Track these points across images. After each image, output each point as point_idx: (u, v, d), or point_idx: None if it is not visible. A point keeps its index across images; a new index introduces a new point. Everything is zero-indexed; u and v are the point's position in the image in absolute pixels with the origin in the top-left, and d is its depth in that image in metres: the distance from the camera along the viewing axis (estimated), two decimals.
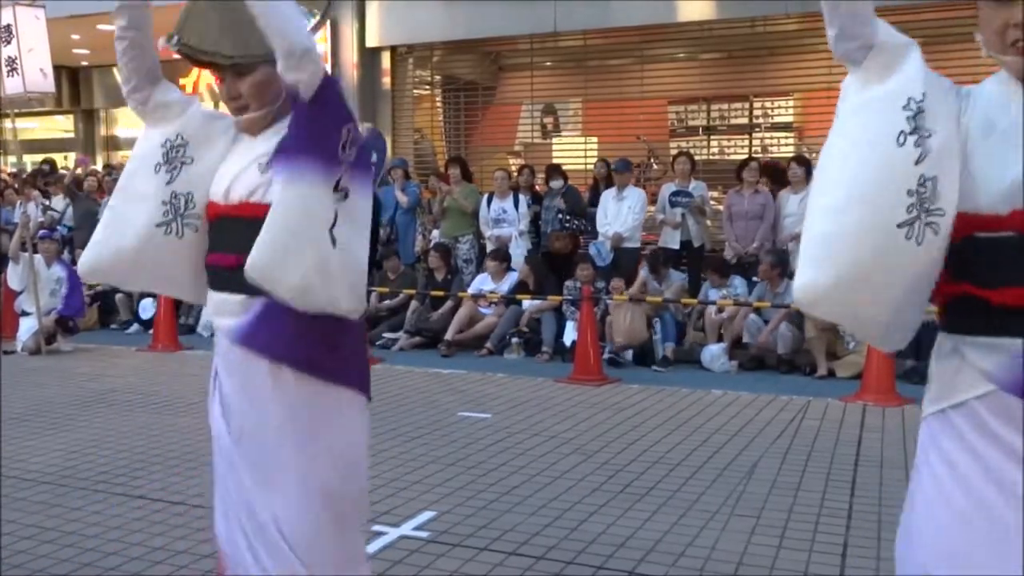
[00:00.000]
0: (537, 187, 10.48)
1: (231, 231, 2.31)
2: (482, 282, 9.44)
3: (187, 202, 2.36)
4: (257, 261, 2.12)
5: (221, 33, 2.25)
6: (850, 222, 1.76)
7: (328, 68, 12.59)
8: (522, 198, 9.91)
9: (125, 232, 2.38)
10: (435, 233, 10.45)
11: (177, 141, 2.37)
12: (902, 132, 1.75)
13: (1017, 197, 1.71)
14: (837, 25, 1.86)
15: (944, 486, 1.84)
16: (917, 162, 1.74)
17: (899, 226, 1.73)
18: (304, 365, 2.28)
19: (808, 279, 1.79)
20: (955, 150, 1.77)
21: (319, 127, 2.19)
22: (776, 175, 9.39)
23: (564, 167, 10.30)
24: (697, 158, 10.28)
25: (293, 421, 2.28)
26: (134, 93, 2.42)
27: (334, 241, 2.16)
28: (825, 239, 1.78)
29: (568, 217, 9.57)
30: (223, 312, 2.36)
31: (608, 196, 9.58)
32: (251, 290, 2.22)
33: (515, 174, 10.45)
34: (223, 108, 2.47)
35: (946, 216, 1.76)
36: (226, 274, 2.31)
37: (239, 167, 2.34)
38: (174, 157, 2.36)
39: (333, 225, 2.16)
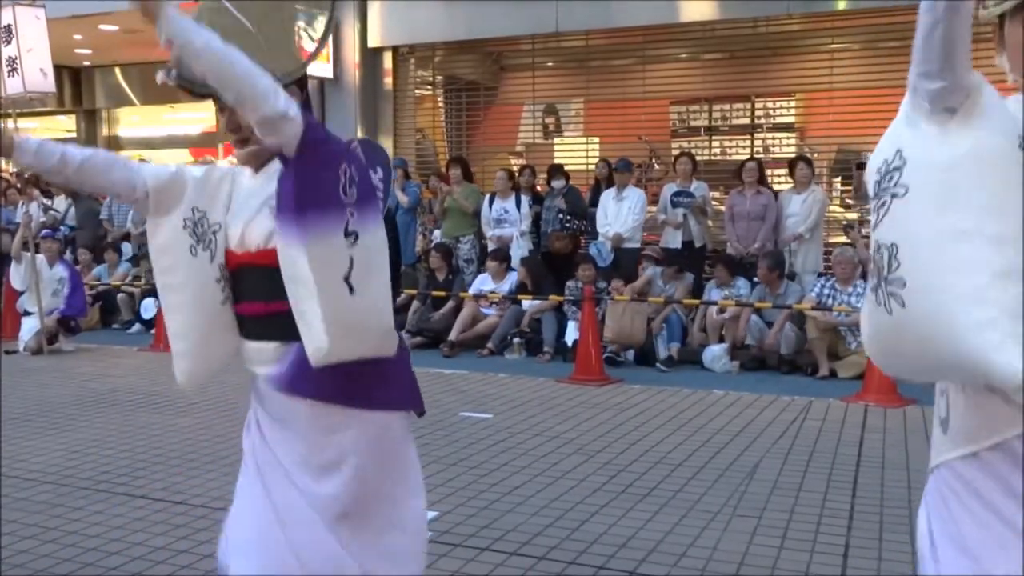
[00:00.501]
0: (539, 187, 10.48)
1: (255, 279, 2.25)
2: (482, 282, 9.44)
3: (209, 227, 2.29)
4: (325, 348, 2.09)
5: None
6: None
7: (330, 70, 12.51)
8: (524, 198, 9.91)
9: (209, 338, 2.32)
10: (436, 233, 10.45)
11: (196, 216, 2.26)
12: None
13: None
14: (936, 63, 1.62)
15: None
16: None
17: None
18: (358, 400, 2.25)
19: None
20: None
21: (313, 178, 2.07)
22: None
23: (566, 167, 10.30)
24: (699, 158, 10.28)
25: (383, 457, 2.34)
26: (130, 201, 2.32)
27: (352, 289, 2.09)
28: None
29: (568, 218, 9.57)
30: (262, 361, 2.29)
31: (608, 196, 9.58)
32: (284, 336, 2.20)
33: (517, 174, 10.45)
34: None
35: None
36: (258, 323, 2.27)
37: (249, 212, 2.27)
38: (203, 232, 2.26)
39: (349, 272, 2.08)
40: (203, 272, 2.27)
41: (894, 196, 1.64)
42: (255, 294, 2.25)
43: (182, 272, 2.28)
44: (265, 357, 2.27)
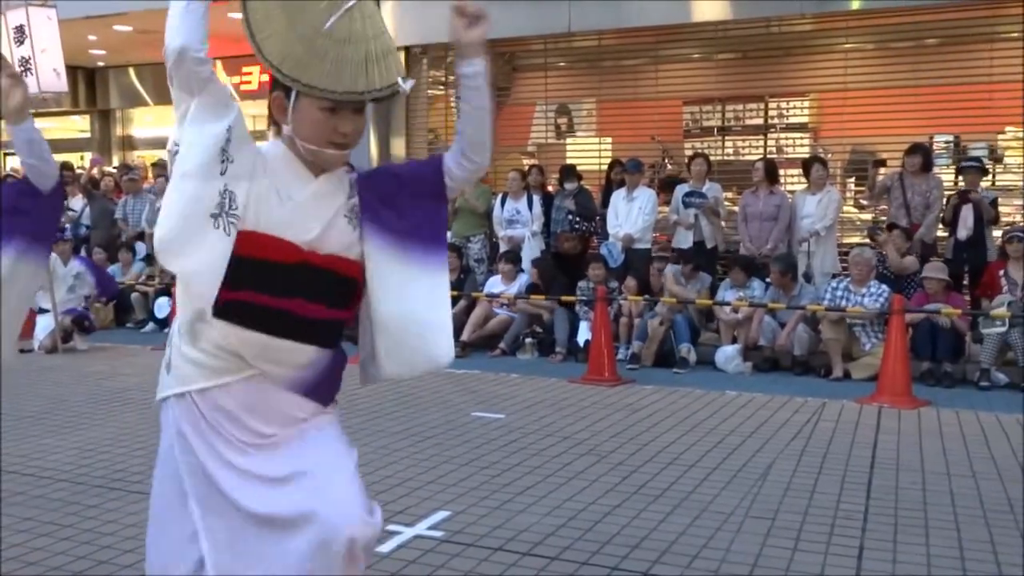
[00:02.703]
0: (550, 187, 10.47)
1: (318, 282, 2.18)
2: (493, 285, 9.45)
3: (231, 201, 2.10)
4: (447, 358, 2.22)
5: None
6: None
7: None
8: (536, 198, 9.91)
9: (197, 209, 2.07)
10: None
11: (228, 135, 2.10)
12: None
13: None
14: None
15: None
16: None
17: None
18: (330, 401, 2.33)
19: None
20: None
21: (445, 216, 2.32)
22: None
23: (578, 167, 10.29)
24: (712, 159, 10.26)
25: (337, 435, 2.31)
26: (198, 52, 2.06)
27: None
28: None
29: (578, 219, 9.57)
30: (280, 361, 2.18)
31: (619, 196, 9.57)
32: (327, 342, 2.19)
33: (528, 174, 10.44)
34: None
35: None
36: (306, 324, 2.18)
37: (326, 215, 2.18)
38: (225, 150, 2.09)
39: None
40: (215, 172, 2.08)
41: None
42: (314, 295, 2.17)
43: (209, 157, 2.08)
44: (295, 359, 2.19)
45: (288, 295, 2.15)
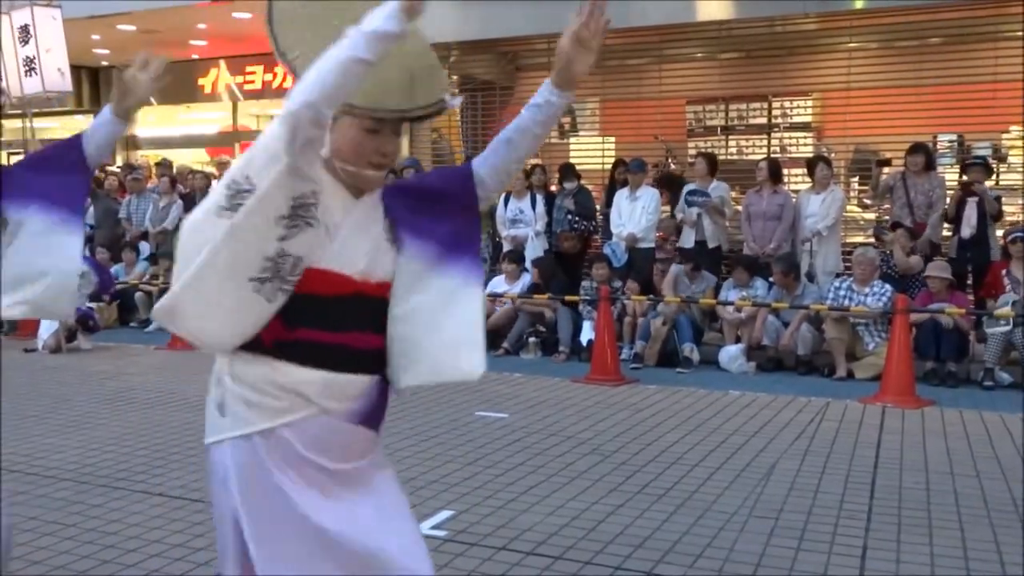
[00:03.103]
0: (553, 187, 10.48)
1: (371, 310, 2.11)
2: (496, 285, 9.46)
3: (294, 266, 1.95)
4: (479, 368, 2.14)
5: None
6: None
7: None
8: (539, 198, 9.91)
9: (237, 269, 1.94)
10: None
11: (311, 199, 1.94)
12: None
13: None
14: None
15: None
16: None
17: None
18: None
19: None
20: None
21: (478, 227, 2.25)
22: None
23: (581, 167, 10.28)
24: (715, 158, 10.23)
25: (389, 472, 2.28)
26: (327, 117, 1.88)
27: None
28: None
29: (576, 218, 9.57)
30: (342, 396, 2.09)
31: (622, 196, 9.57)
32: (375, 369, 2.14)
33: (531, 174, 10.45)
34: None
35: None
36: (358, 354, 2.10)
37: (372, 241, 2.11)
38: (300, 215, 1.94)
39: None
40: (265, 233, 1.94)
41: None
42: (367, 325, 2.11)
43: (257, 219, 1.92)
44: (352, 391, 2.11)
45: (343, 328, 2.08)
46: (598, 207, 10.56)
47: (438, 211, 2.17)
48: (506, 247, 9.85)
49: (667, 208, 10.00)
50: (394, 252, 2.13)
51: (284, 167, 1.88)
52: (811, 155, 10.16)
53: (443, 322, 2.12)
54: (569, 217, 9.59)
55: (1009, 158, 10.46)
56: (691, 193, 9.32)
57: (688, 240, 9.35)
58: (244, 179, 1.91)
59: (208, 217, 1.94)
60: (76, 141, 2.68)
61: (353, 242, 2.07)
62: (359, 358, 2.10)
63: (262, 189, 1.89)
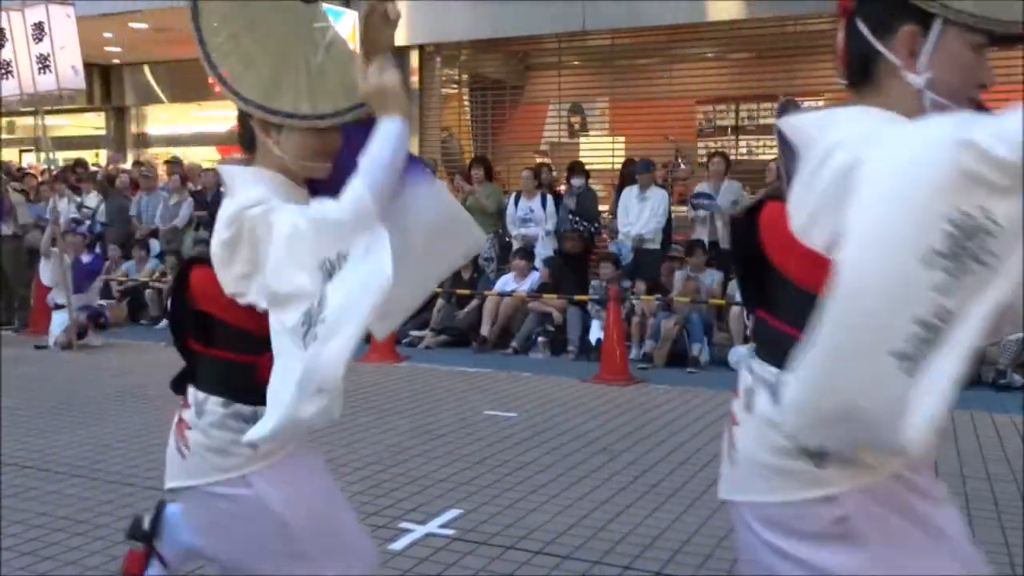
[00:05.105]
0: (562, 187, 10.48)
1: None
2: (505, 283, 9.47)
3: (322, 307, 1.85)
4: None
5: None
6: None
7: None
8: (549, 197, 9.91)
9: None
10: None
11: (339, 262, 1.89)
12: None
13: None
14: None
15: None
16: None
17: None
18: None
19: None
20: None
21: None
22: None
23: (591, 167, 10.27)
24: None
25: None
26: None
27: None
28: None
29: (577, 218, 9.57)
30: None
31: (630, 195, 9.55)
32: None
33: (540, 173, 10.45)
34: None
35: None
36: None
37: None
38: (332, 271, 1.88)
39: None
40: (308, 280, 1.91)
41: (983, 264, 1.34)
42: None
43: (295, 266, 1.92)
44: None
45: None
46: (606, 207, 10.56)
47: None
48: (516, 246, 9.86)
49: (680, 209, 9.99)
50: None
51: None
52: None
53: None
54: (571, 217, 9.59)
55: None
56: (697, 196, 9.30)
57: (702, 235, 9.33)
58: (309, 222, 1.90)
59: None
60: None
61: None
62: None
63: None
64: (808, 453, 1.60)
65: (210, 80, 2.12)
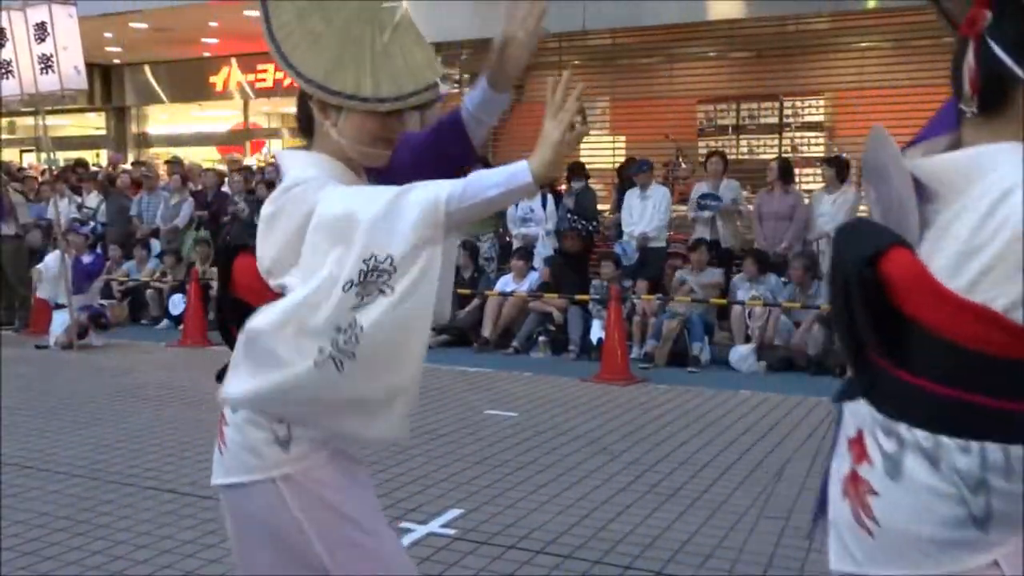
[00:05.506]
0: (562, 187, 10.48)
1: None
2: (504, 283, 9.47)
3: (356, 338, 1.78)
4: None
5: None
6: None
7: None
8: (550, 197, 9.91)
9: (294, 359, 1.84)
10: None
11: (385, 265, 1.77)
12: None
13: None
14: None
15: None
16: None
17: None
18: None
19: None
20: None
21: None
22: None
23: (591, 166, 10.26)
24: (726, 158, 10.21)
25: None
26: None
27: None
28: None
29: (575, 218, 9.57)
30: None
31: (633, 195, 9.56)
32: None
33: None
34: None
35: None
36: None
37: None
38: (373, 280, 1.78)
39: None
40: (335, 305, 1.86)
41: None
42: None
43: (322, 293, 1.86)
44: None
45: None
46: (607, 207, 10.55)
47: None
48: (516, 246, 9.86)
49: (681, 207, 9.98)
50: None
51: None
52: (822, 155, 10.12)
53: None
54: (569, 216, 9.59)
55: None
56: (703, 196, 9.31)
57: (703, 235, 9.34)
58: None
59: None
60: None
61: None
62: None
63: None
64: (975, 520, 1.51)
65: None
